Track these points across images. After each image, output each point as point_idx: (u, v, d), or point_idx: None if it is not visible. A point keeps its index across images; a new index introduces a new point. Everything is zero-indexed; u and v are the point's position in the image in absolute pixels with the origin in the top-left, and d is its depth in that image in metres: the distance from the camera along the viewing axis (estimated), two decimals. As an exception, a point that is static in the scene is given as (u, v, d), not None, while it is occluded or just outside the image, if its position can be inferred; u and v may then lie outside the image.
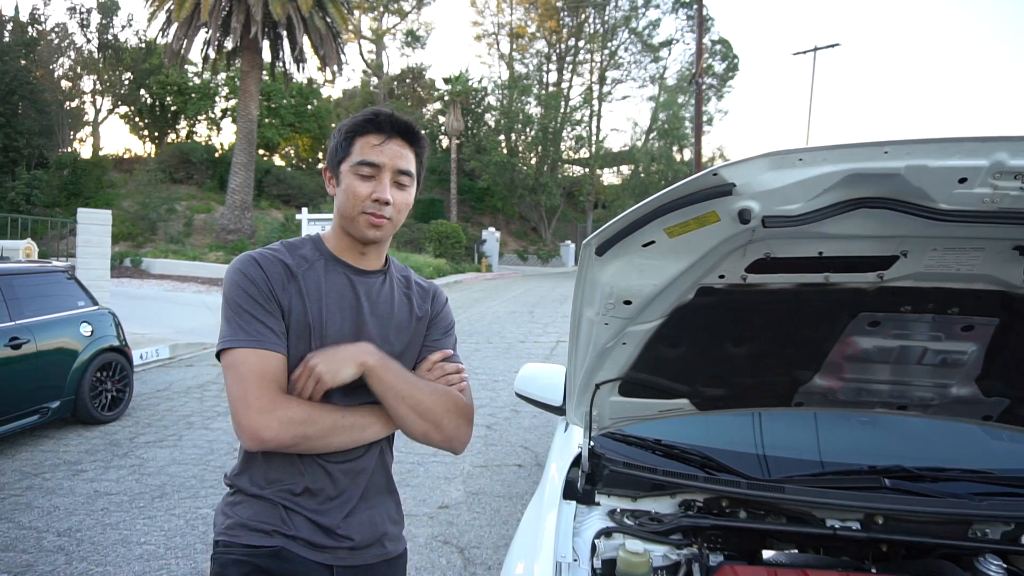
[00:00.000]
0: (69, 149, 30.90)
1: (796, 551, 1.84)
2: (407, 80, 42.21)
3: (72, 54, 33.77)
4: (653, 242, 1.44)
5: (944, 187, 1.22)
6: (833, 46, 28.71)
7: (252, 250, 1.47)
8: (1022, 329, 1.65)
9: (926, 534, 1.81)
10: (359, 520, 1.49)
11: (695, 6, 25.92)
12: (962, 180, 1.21)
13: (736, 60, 40.14)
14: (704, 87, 26.51)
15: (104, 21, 33.81)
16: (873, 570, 1.78)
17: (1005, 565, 1.69)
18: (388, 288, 1.55)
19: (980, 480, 2.01)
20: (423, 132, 1.53)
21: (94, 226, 10.89)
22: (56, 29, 32.95)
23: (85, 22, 33.74)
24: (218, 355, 1.39)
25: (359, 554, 1.49)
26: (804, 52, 28.50)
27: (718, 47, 39.58)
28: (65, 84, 33.46)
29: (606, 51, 40.74)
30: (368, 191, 1.42)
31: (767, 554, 1.81)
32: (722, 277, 1.58)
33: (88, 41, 33.96)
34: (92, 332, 6.17)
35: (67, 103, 32.71)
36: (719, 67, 39.80)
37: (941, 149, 1.18)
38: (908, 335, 1.73)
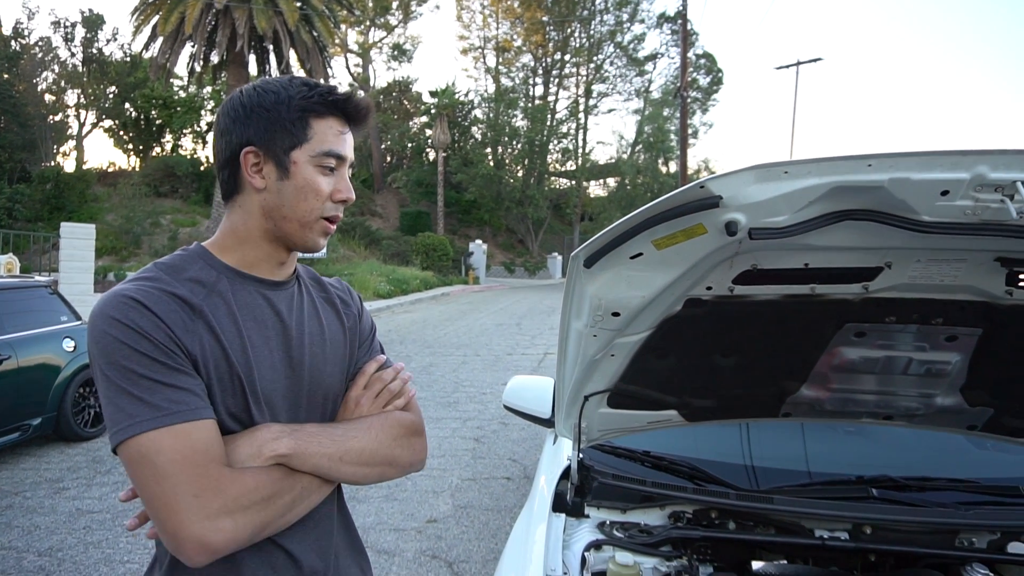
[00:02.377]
0: (52, 163, 30.67)
1: (785, 562, 1.84)
2: (394, 93, 42.29)
3: (56, 68, 33.63)
4: (641, 254, 1.45)
5: (927, 199, 1.24)
6: (815, 60, 29.17)
7: (121, 285, 1.05)
8: (1005, 339, 1.67)
9: (914, 543, 1.82)
10: None
11: (679, 21, 26.21)
12: (944, 193, 1.22)
13: (720, 74, 40.64)
14: (689, 100, 26.76)
15: (89, 35, 33.71)
16: (862, 580, 1.79)
17: (992, 574, 1.70)
18: (308, 297, 1.24)
19: (966, 489, 2.02)
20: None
21: (77, 240, 10.81)
22: (40, 43, 32.82)
23: (69, 36, 33.61)
24: (115, 449, 0.99)
25: None
26: (787, 66, 28.89)
27: (702, 61, 40.04)
28: (49, 98, 33.27)
29: (592, 65, 41.12)
30: (330, 189, 1.13)
31: (756, 565, 1.81)
32: (709, 289, 1.59)
33: (72, 55, 33.85)
34: (75, 348, 6.10)
35: (50, 117, 32.48)
36: (704, 81, 40.25)
37: (923, 162, 1.20)
38: (893, 346, 1.74)
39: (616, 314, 1.61)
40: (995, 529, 1.85)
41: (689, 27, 25.62)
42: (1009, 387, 1.82)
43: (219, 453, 1.01)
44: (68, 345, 6.05)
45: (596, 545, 1.82)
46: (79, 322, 6.39)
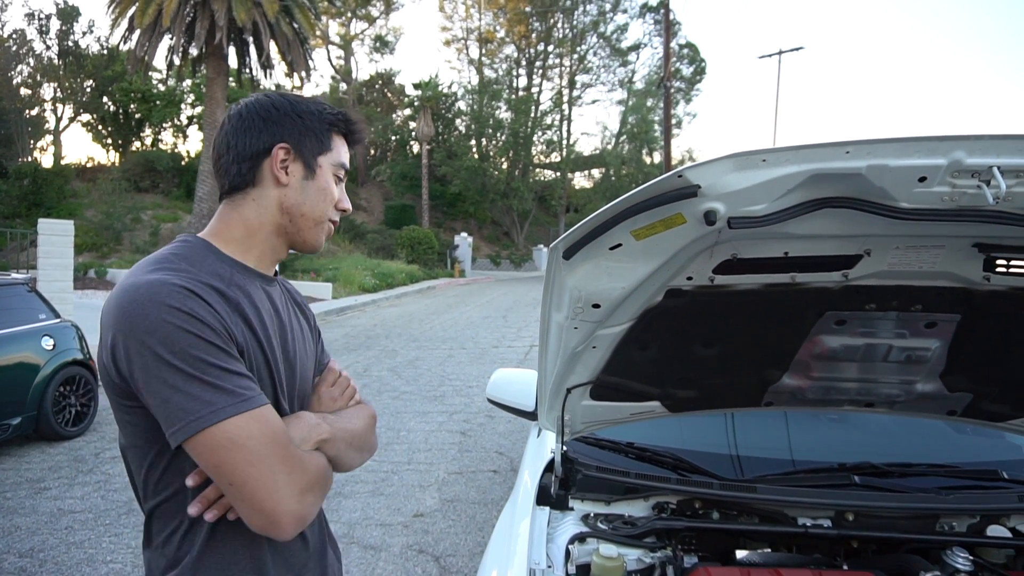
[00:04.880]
0: (29, 158, 30.11)
1: (769, 550, 1.85)
2: (377, 85, 41.94)
3: (31, 61, 32.94)
4: (620, 245, 1.43)
5: (904, 186, 1.24)
6: (797, 49, 29.30)
7: (160, 275, 1.04)
8: (983, 325, 1.68)
9: (895, 529, 1.83)
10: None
11: (662, 11, 26.19)
12: (922, 179, 1.22)
13: (703, 64, 40.72)
14: (672, 90, 26.78)
15: (64, 27, 33.05)
16: (845, 567, 1.79)
17: (972, 557, 1.72)
18: (285, 294, 1.31)
19: (946, 474, 2.04)
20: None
21: (56, 237, 10.64)
22: (14, 36, 32.14)
23: (44, 28, 32.93)
24: (188, 438, 0.98)
25: None
26: (769, 55, 29.03)
27: (685, 51, 40.08)
28: (24, 92, 32.61)
29: (575, 55, 41.00)
30: (338, 196, 1.26)
31: (740, 554, 1.82)
32: (690, 279, 1.58)
33: (48, 48, 33.16)
34: (54, 346, 6.02)
35: (27, 111, 31.89)
36: (687, 71, 40.31)
37: (901, 148, 1.19)
38: (873, 333, 1.75)
39: (597, 306, 1.60)
40: (975, 513, 1.87)
41: (672, 17, 25.64)
42: (987, 372, 1.83)
43: (289, 436, 1.07)
44: (47, 343, 5.96)
45: (580, 537, 1.82)
46: (58, 320, 6.31)
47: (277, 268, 1.31)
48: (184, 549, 1.09)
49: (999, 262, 1.49)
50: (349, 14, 40.25)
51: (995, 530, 1.86)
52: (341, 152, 1.26)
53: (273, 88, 33.20)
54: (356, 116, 1.31)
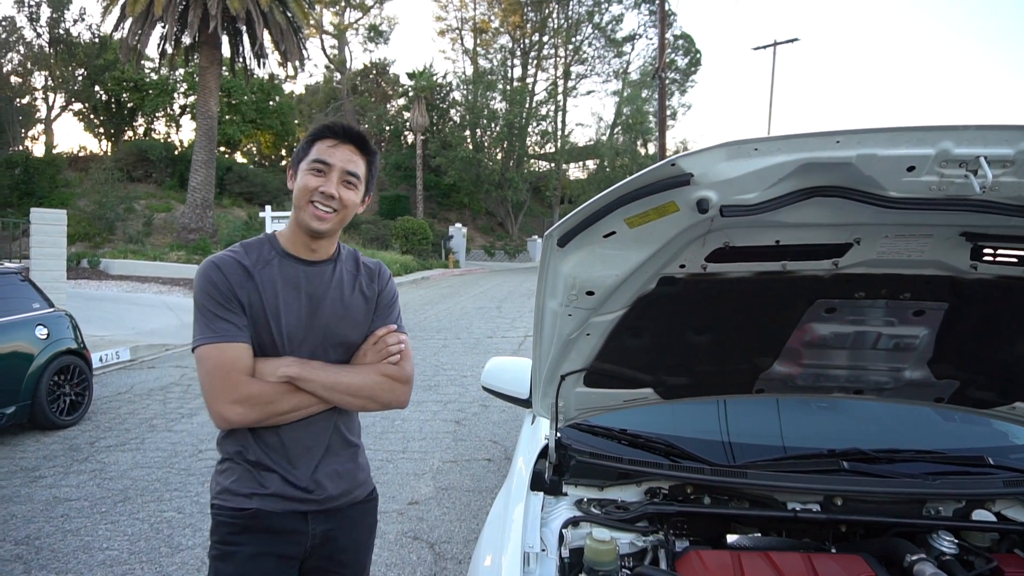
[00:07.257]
0: (20, 147, 29.92)
1: (759, 535, 1.88)
2: (371, 75, 41.71)
3: (21, 49, 32.64)
4: (614, 232, 1.45)
5: (893, 175, 1.26)
6: (792, 41, 29.13)
7: (215, 253, 1.67)
8: (970, 313, 1.70)
9: (883, 513, 1.86)
10: (325, 472, 1.72)
11: (657, 2, 26.12)
12: (910, 168, 1.24)
13: (698, 55, 40.60)
14: (667, 82, 26.76)
15: (55, 15, 32.71)
16: (833, 550, 1.83)
17: (957, 540, 1.75)
18: (339, 274, 1.75)
19: (933, 460, 2.07)
20: (372, 137, 1.55)
21: (48, 226, 10.60)
22: (3, 23, 31.85)
23: (35, 16, 32.60)
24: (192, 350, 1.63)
25: (329, 501, 1.73)
26: (764, 47, 29.00)
27: (680, 42, 39.94)
28: (14, 80, 32.34)
29: (570, 46, 40.82)
30: (316, 184, 1.63)
31: (731, 538, 1.85)
32: (683, 267, 1.60)
33: (38, 36, 32.84)
34: (48, 335, 6.01)
35: (17, 100, 31.64)
36: (682, 62, 40.20)
37: (890, 138, 1.21)
38: (863, 321, 1.77)
39: (591, 293, 1.61)
40: (960, 498, 1.90)
41: (667, 8, 25.53)
42: (974, 360, 1.86)
43: (243, 366, 1.58)
44: (41, 332, 5.96)
45: (574, 522, 1.85)
46: (51, 309, 6.30)
47: (340, 253, 1.77)
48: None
49: (986, 251, 1.51)
50: (343, 3, 39.95)
51: (980, 514, 1.89)
52: (319, 152, 1.65)
53: (266, 77, 32.97)
54: (335, 121, 1.75)
